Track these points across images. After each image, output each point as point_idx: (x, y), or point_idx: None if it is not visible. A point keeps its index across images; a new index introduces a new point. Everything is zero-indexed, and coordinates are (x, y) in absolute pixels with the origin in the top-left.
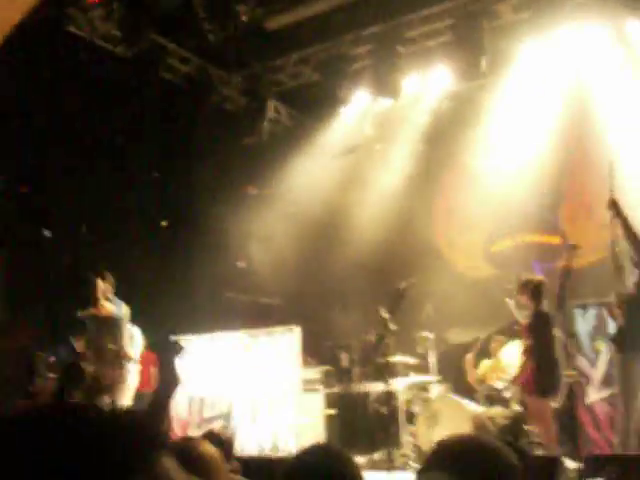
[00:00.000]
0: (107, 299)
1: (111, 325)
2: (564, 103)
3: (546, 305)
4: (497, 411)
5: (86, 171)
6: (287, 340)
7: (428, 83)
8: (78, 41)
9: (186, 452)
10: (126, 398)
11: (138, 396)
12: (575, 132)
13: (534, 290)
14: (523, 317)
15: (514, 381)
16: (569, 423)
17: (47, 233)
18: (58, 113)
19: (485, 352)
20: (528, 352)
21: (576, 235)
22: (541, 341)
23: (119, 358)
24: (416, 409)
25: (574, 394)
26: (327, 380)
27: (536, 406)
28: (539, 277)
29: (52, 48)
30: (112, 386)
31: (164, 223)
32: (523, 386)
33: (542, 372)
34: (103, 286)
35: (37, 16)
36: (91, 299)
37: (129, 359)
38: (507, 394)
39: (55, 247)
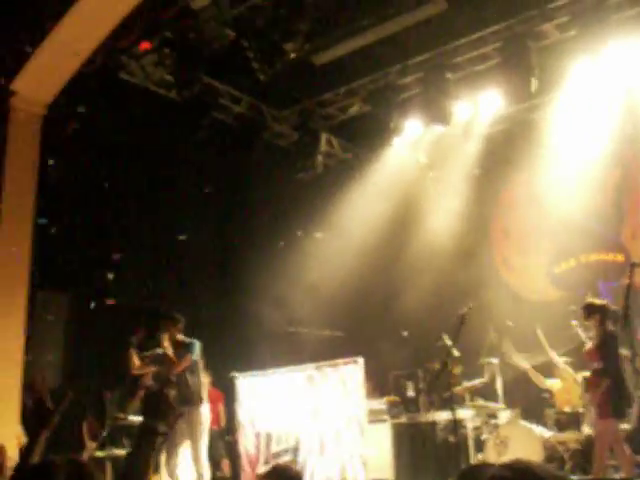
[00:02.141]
0: (175, 341)
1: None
2: (618, 119)
3: (612, 326)
4: (568, 435)
5: (145, 209)
6: (351, 372)
7: (479, 107)
8: (132, 88)
9: None
10: (204, 439)
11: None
12: (631, 148)
13: (601, 312)
14: (591, 340)
15: (588, 404)
16: None
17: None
18: (117, 161)
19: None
20: (600, 374)
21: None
22: (612, 363)
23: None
24: (485, 436)
25: None
26: (394, 410)
27: (611, 428)
28: (602, 300)
29: (108, 96)
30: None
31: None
32: (599, 408)
33: (616, 394)
34: (167, 334)
35: (93, 65)
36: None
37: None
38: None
39: (119, 291)
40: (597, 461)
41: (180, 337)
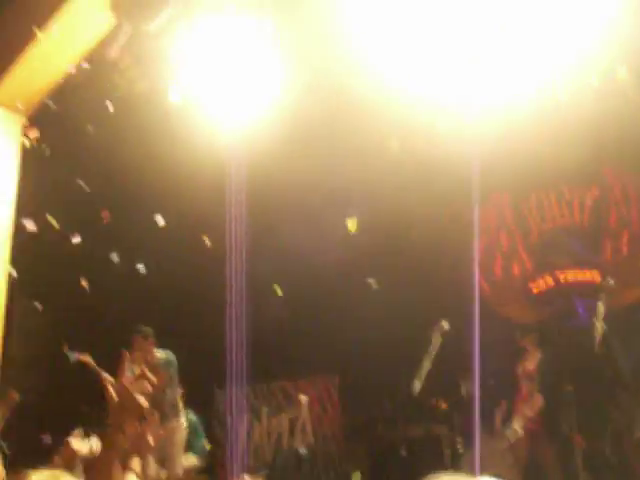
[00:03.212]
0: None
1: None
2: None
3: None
4: None
5: None
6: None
7: None
8: None
9: None
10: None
11: None
12: (611, 166)
13: (535, 338)
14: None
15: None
16: None
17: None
18: None
19: None
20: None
21: (617, 270)
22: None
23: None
24: None
25: None
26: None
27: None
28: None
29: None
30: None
31: None
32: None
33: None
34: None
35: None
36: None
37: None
38: None
39: None
40: None
41: (156, 353)
